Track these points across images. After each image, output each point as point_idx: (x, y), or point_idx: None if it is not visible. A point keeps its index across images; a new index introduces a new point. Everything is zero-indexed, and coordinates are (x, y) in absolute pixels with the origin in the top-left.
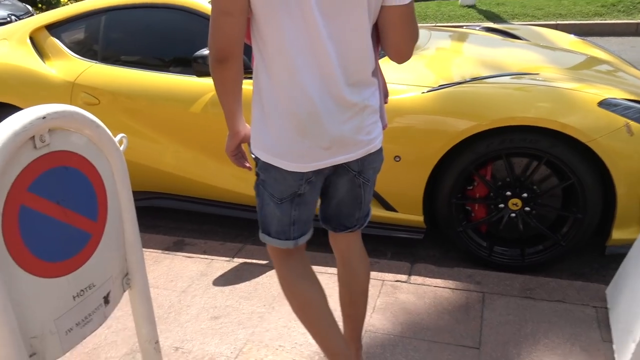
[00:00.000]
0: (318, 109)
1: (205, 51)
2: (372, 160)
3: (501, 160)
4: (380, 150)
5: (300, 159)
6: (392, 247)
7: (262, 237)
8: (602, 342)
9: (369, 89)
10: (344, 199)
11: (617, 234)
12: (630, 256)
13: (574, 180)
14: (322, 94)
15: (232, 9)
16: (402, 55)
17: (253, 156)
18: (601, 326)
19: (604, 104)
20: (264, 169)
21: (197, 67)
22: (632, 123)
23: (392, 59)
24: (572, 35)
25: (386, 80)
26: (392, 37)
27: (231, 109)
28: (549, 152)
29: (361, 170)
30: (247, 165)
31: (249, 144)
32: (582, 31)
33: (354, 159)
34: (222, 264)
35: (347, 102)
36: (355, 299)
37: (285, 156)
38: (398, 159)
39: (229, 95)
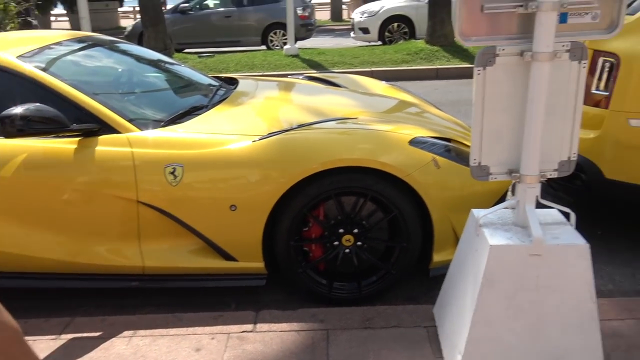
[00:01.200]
0: None
1: (14, 110)
2: None
3: (332, 200)
4: None
5: None
6: (236, 296)
7: None
8: (435, 359)
9: None
10: None
11: (437, 257)
12: (449, 276)
13: (396, 212)
14: None
15: None
16: None
17: None
18: (432, 344)
19: (414, 142)
20: None
21: (4, 128)
22: (438, 158)
23: None
24: (384, 82)
25: (216, 131)
26: None
27: None
28: (373, 189)
29: None
30: None
31: None
32: (393, 76)
33: None
34: (48, 344)
35: None
36: None
37: None
38: (234, 208)
39: None
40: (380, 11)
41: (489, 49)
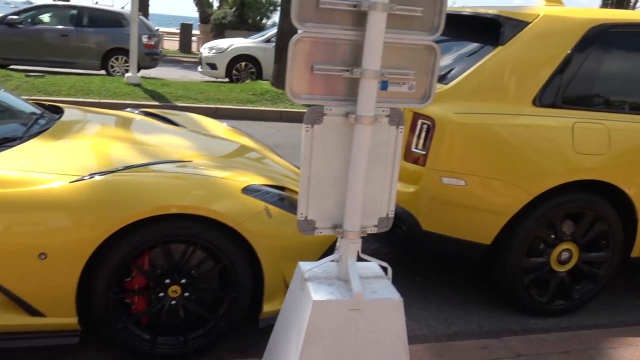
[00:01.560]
0: None
1: None
2: None
3: (158, 248)
4: None
5: None
6: (43, 356)
7: None
8: None
9: None
10: None
11: (267, 307)
12: (275, 329)
13: (226, 262)
14: None
15: None
16: None
17: None
18: None
19: (247, 190)
20: None
21: None
22: (270, 207)
23: None
24: (225, 124)
25: (29, 168)
26: None
27: None
28: (203, 238)
29: None
30: None
31: None
32: (238, 115)
33: None
34: None
35: None
36: None
37: None
38: (44, 257)
39: None
40: (229, 49)
41: (318, 108)
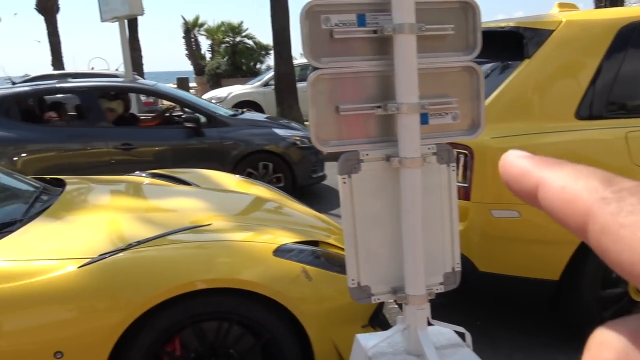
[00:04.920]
0: None
1: None
2: None
3: (189, 328)
4: None
5: None
6: None
7: None
8: None
9: None
10: None
11: None
12: None
13: (268, 336)
14: None
15: None
16: None
17: None
18: None
19: (279, 251)
20: None
21: None
22: (308, 267)
23: None
24: (237, 176)
25: (31, 256)
26: None
27: None
28: (237, 312)
29: None
30: None
31: None
32: None
33: None
34: None
35: None
36: None
37: None
38: (60, 356)
39: None
40: (229, 97)
41: (352, 154)
